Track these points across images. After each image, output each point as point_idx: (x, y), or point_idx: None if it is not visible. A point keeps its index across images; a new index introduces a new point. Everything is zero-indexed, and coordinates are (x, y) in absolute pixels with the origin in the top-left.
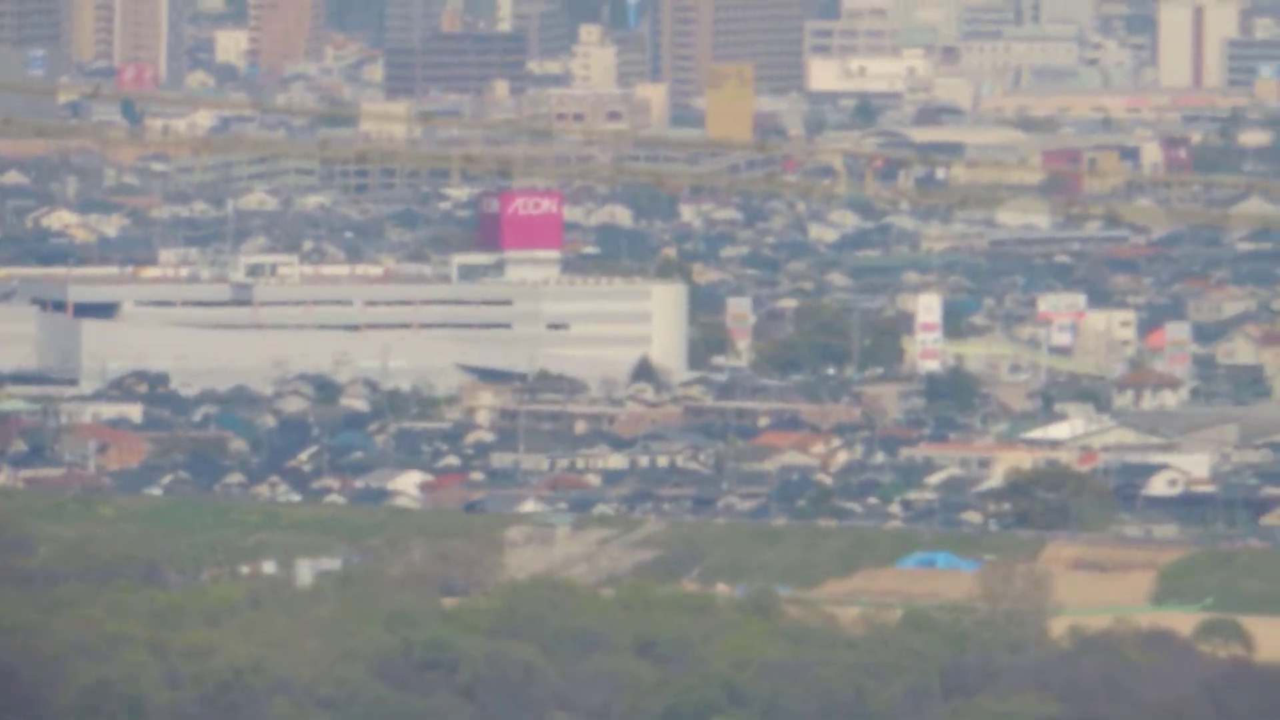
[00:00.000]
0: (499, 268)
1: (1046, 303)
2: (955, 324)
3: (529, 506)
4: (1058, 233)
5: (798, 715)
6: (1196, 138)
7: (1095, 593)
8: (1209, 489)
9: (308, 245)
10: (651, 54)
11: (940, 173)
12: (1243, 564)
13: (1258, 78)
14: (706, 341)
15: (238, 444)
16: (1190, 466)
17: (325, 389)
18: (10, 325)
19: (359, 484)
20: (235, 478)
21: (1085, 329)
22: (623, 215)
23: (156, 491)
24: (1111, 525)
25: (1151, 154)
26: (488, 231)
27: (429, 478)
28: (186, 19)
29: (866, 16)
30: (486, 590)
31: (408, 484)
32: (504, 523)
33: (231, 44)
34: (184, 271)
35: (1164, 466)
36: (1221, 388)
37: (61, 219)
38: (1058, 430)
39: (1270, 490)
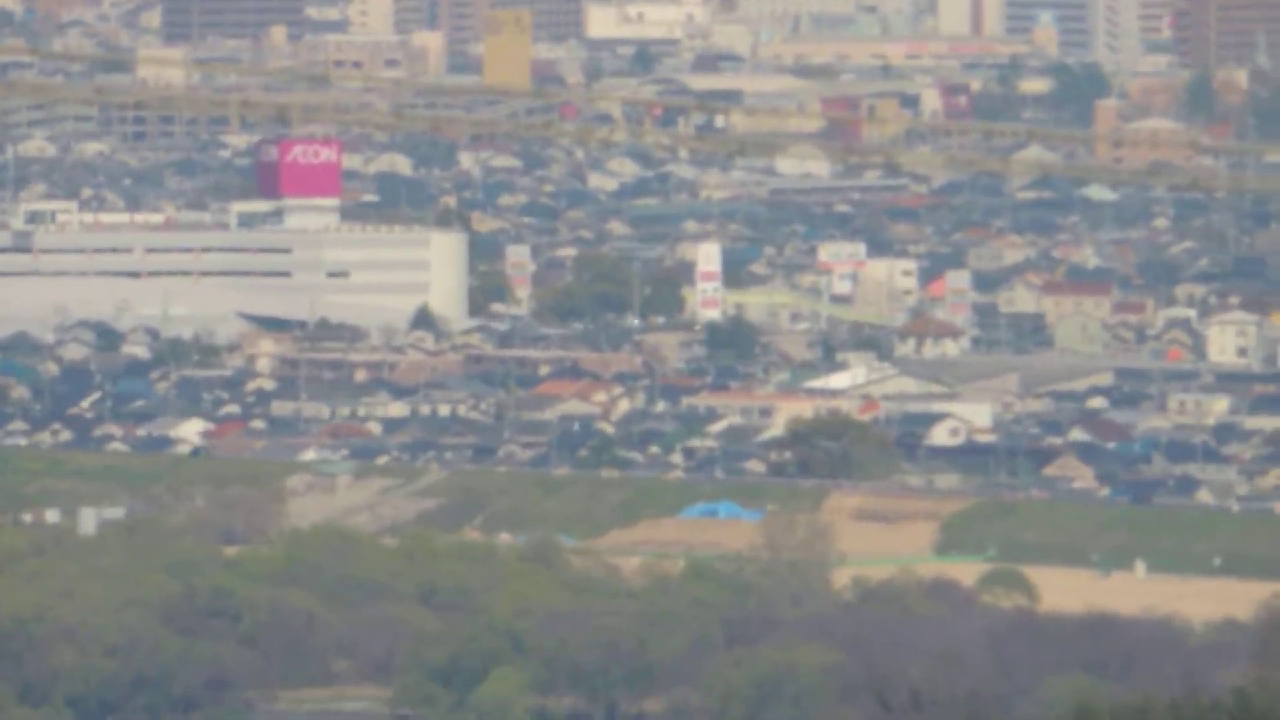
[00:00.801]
0: (278, 215)
1: (827, 251)
2: (736, 273)
3: (310, 455)
4: (837, 181)
5: (580, 664)
6: (976, 85)
7: (878, 543)
8: (990, 438)
9: (87, 193)
10: (429, 0)
11: (719, 120)
12: (1024, 514)
13: (1036, 25)
14: (486, 290)
15: (19, 391)
16: (971, 416)
17: (106, 336)
18: None
19: (141, 432)
20: (17, 425)
21: (866, 278)
22: (402, 163)
23: None
24: (894, 475)
25: (931, 101)
26: (267, 179)
27: (210, 425)
28: None
29: None
30: (269, 538)
31: (189, 431)
32: (285, 471)
33: None
34: None
35: (945, 416)
36: (1003, 336)
37: None
38: (839, 379)
39: (1051, 440)
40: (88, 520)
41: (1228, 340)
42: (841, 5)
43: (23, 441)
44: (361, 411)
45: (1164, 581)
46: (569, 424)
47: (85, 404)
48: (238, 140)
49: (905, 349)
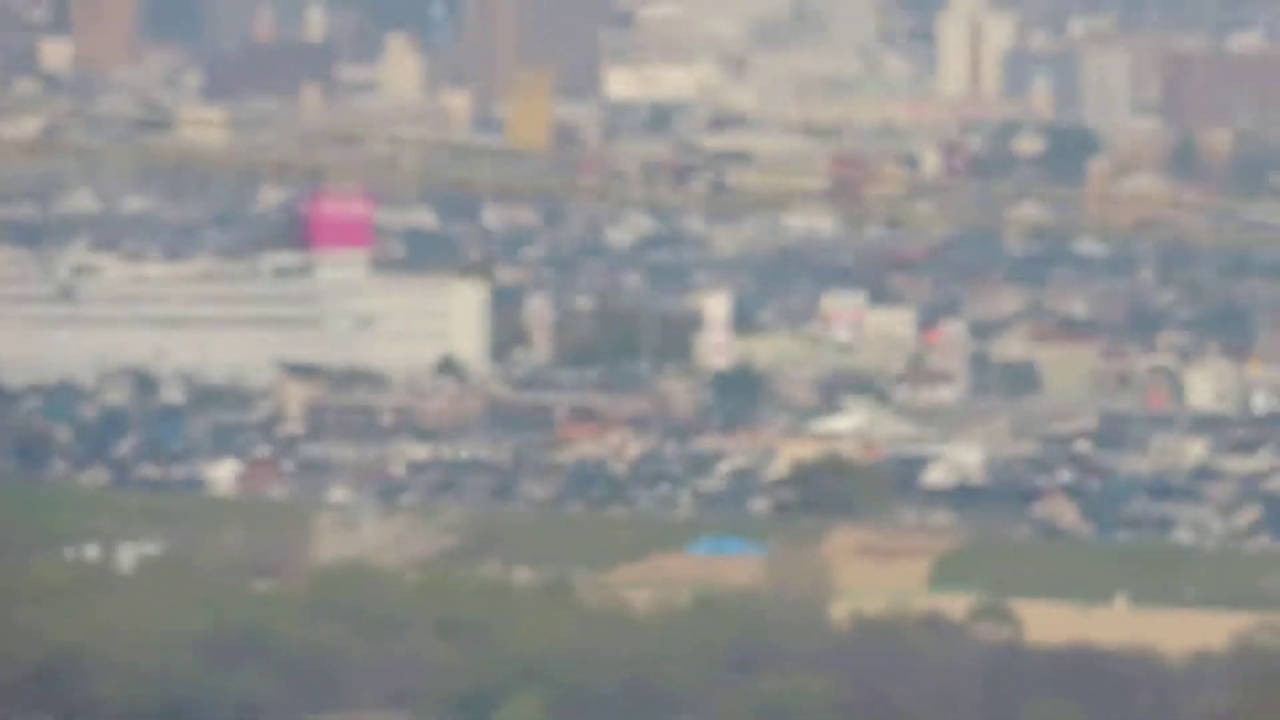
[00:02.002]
0: (309, 267)
1: (829, 301)
2: (743, 322)
3: (337, 495)
4: (841, 235)
5: (592, 692)
6: (973, 145)
7: (874, 578)
8: (981, 479)
9: (128, 245)
10: (455, 63)
11: (730, 178)
12: (1012, 551)
13: (1031, 88)
14: (506, 338)
15: (61, 434)
16: (964, 458)
17: (145, 383)
18: None
19: (176, 472)
20: (59, 466)
21: (866, 326)
22: (428, 218)
23: None
24: (890, 514)
25: (931, 160)
26: (299, 232)
27: (242, 467)
28: (9, 27)
29: (660, 26)
30: (297, 574)
31: (222, 472)
32: (313, 510)
33: (55, 52)
34: (10, 270)
35: (939, 458)
36: (995, 382)
37: None
38: (839, 423)
39: (1039, 480)
40: (125, 556)
41: (1206, 386)
42: (847, 68)
43: (64, 482)
44: (386, 454)
45: (1144, 615)
46: (583, 465)
47: (124, 446)
48: (272, 195)
49: (904, 395)
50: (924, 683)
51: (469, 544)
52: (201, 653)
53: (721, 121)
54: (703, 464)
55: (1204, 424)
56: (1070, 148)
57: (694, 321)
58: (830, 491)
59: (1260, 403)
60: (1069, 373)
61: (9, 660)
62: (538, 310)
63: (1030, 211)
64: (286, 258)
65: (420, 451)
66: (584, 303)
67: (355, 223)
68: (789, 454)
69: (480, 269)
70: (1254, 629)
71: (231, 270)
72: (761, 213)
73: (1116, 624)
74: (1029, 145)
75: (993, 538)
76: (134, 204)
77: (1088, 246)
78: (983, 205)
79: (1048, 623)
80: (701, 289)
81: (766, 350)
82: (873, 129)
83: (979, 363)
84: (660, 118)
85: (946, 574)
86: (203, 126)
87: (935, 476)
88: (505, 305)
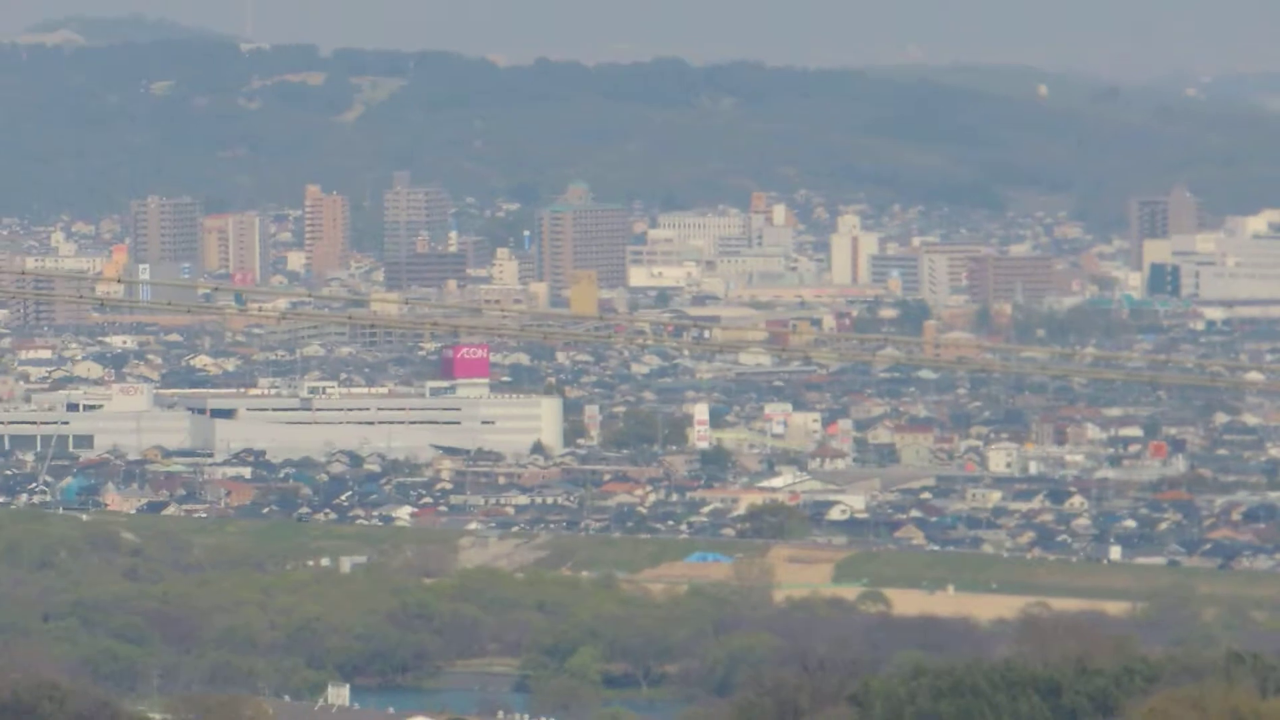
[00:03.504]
0: (453, 389)
1: (769, 408)
2: (717, 421)
3: (473, 526)
4: (775, 368)
5: (627, 645)
6: (854, 313)
7: (799, 576)
8: (864, 516)
9: (343, 375)
10: (537, 264)
11: (707, 333)
12: (883, 559)
13: (889, 278)
14: (573, 431)
15: (305, 491)
16: (853, 502)
17: (355, 459)
18: (173, 422)
19: (375, 513)
20: (304, 510)
21: (792, 424)
22: (524, 358)
23: (259, 519)
24: (809, 536)
25: (829, 321)
26: (446, 367)
27: (415, 509)
28: (269, 244)
29: (661, 243)
30: (449, 574)
31: (403, 514)
32: (458, 536)
33: (295, 258)
34: (272, 391)
35: (838, 503)
36: (870, 457)
37: (202, 361)
38: (777, 481)
39: (899, 516)
40: (344, 565)
41: (1000, 459)
42: (777, 266)
43: (307, 520)
44: (502, 501)
45: (965, 598)
46: (621, 508)
47: (343, 498)
48: (429, 345)
49: (815, 464)
50: (831, 639)
51: (553, 556)
52: (391, 622)
53: (700, 299)
54: (693, 507)
55: (999, 482)
56: (913, 314)
57: (686, 420)
58: (771, 524)
59: (1033, 468)
60: (916, 451)
61: (278, 627)
62: (591, 415)
63: (890, 352)
64: (438, 383)
65: (522, 499)
66: (619, 410)
67: (479, 362)
68: (746, 501)
69: (556, 390)
70: (1030, 605)
71: (406, 391)
72: (726, 355)
73: (948, 603)
74: (888, 313)
75: (871, 551)
76: (345, 350)
77: (925, 374)
78: (861, 350)
79: (906, 602)
80: (690, 401)
81: (731, 438)
82: (793, 303)
83: (860, 445)
84: (663, 297)
85: (843, 573)
86: (386, 304)
87: (835, 514)
88: (571, 412)
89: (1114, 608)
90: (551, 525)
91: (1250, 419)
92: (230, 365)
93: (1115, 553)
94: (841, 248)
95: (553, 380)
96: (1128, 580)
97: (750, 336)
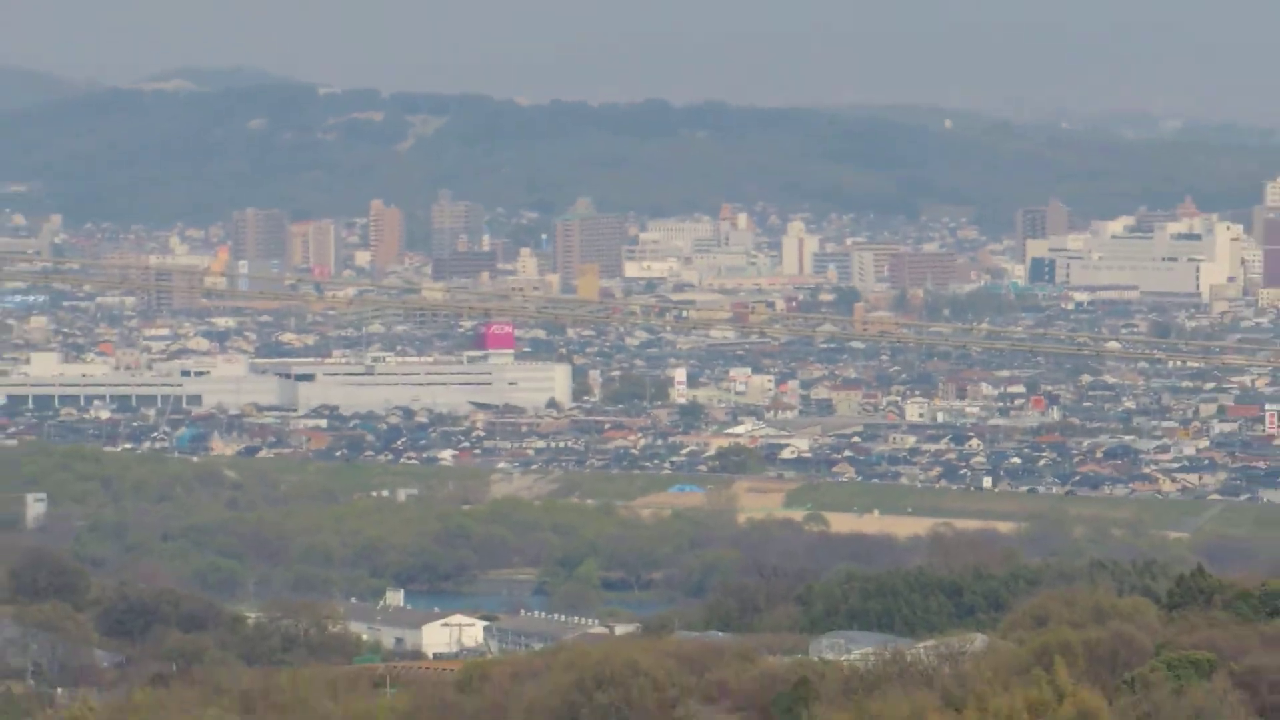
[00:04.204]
0: (486, 358)
1: (734, 372)
2: (693, 382)
3: (502, 464)
4: (738, 340)
5: (623, 557)
6: (800, 297)
7: (758, 503)
8: (808, 455)
9: (399, 347)
10: (552, 260)
11: (685, 314)
12: (824, 490)
13: (828, 270)
14: (580, 390)
15: (369, 438)
16: (800, 445)
17: (408, 413)
18: (265, 385)
19: (424, 455)
20: (368, 453)
21: (752, 384)
22: (541, 333)
23: (332, 460)
24: (765, 472)
25: (780, 304)
26: (480, 340)
27: (456, 452)
28: (341, 246)
29: (650, 244)
30: (483, 503)
31: (446, 455)
32: (489, 472)
33: (361, 256)
34: (343, 360)
35: (788, 445)
36: (813, 410)
37: (288, 336)
38: (739, 429)
39: (836, 455)
40: (400, 495)
41: (914, 410)
42: (740, 261)
43: (371, 461)
44: (524, 445)
45: (887, 519)
46: (619, 449)
47: (398, 443)
48: (467, 323)
49: (770, 415)
50: (782, 552)
51: (564, 488)
52: (437, 541)
53: (680, 287)
54: (674, 449)
55: (913, 428)
56: (846, 298)
57: (669, 381)
58: (735, 462)
59: (940, 418)
60: (848, 405)
61: (347, 545)
62: (593, 377)
63: (828, 328)
64: (474, 353)
65: (540, 444)
66: (616, 373)
67: (506, 336)
68: (715, 444)
69: (566, 358)
70: (938, 525)
71: (448, 359)
72: (700, 330)
73: (874, 524)
74: (826, 297)
75: (814, 483)
76: (400, 328)
77: (855, 345)
78: (805, 326)
79: (842, 524)
80: (671, 366)
81: (703, 395)
82: (752, 290)
83: (805, 400)
84: (650, 286)
85: (792, 500)
86: (433, 292)
87: (786, 454)
88: (579, 375)
89: (1004, 527)
90: (563, 464)
91: (1110, 379)
92: (310, 340)
93: (1004, 484)
94: (790, 247)
95: (563, 350)
96: (1014, 505)
97: (719, 316)
